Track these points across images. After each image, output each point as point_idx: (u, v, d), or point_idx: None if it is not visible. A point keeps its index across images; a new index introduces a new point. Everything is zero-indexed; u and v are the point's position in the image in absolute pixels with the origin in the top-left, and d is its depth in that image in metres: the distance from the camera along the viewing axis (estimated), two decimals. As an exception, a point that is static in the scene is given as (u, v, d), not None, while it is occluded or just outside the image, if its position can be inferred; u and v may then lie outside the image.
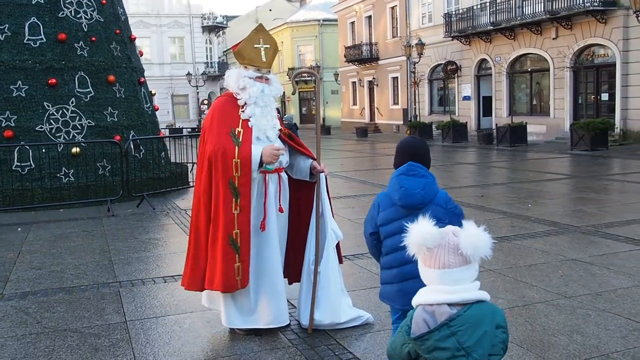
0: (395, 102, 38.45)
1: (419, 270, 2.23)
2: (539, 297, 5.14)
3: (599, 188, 12.00)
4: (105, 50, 12.76)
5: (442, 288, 2.12)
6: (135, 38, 14.49)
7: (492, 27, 27.25)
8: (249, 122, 4.42)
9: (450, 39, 30.63)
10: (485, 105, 30.16)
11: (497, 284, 5.59)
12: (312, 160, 4.67)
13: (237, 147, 4.30)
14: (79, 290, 5.99)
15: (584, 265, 6.15)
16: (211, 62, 54.52)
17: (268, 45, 4.53)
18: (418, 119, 31.98)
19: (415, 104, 33.52)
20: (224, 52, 63.09)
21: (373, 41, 40.16)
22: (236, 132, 4.36)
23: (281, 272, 4.60)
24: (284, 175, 4.61)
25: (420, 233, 2.15)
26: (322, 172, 4.60)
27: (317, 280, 4.54)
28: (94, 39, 12.51)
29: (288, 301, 4.81)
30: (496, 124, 26.35)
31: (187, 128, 40.17)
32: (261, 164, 4.35)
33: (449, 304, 2.10)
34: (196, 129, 37.00)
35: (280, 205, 4.53)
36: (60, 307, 5.46)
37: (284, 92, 25.84)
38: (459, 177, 15.24)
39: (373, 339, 4.44)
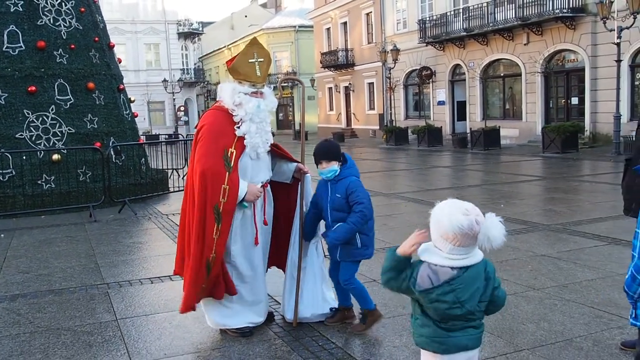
0: (372, 108, 38.87)
1: (431, 233, 2.56)
2: (510, 289, 5.44)
3: (568, 189, 12.43)
4: (84, 58, 12.88)
5: (453, 257, 2.49)
6: (114, 45, 14.63)
7: (465, 33, 27.79)
8: (244, 140, 4.50)
9: (425, 44, 31.13)
10: (460, 110, 30.70)
11: (471, 278, 5.89)
12: (296, 163, 4.91)
13: (227, 173, 4.39)
14: (67, 292, 6.15)
15: (552, 260, 6.49)
16: (187, 69, 54.48)
17: (262, 59, 4.57)
18: (394, 124, 32.41)
19: (391, 109, 33.97)
20: (199, 58, 63.09)
21: (349, 47, 40.57)
22: (229, 154, 4.43)
23: (264, 282, 4.80)
24: (268, 189, 4.81)
25: (450, 218, 2.48)
26: (307, 173, 4.85)
27: (300, 276, 4.79)
28: (73, 46, 12.62)
29: (272, 297, 5.04)
30: (470, 128, 26.86)
31: (163, 134, 40.10)
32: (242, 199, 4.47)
33: (452, 267, 2.50)
34: (172, 136, 37.19)
35: (264, 218, 4.73)
36: (51, 307, 5.63)
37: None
38: (434, 180, 15.60)
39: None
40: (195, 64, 57.47)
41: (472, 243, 2.51)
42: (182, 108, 50.00)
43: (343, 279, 4.57)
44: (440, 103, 31.70)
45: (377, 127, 36.94)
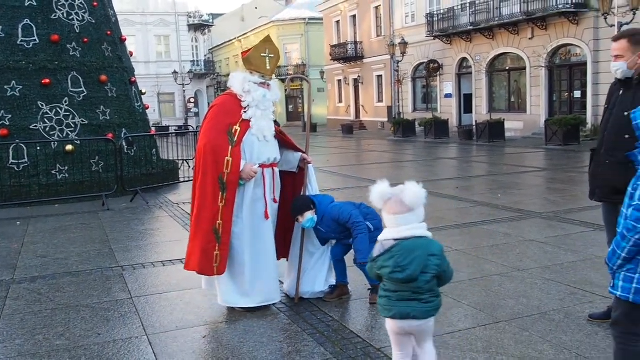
0: (380, 100, 39.20)
1: (383, 217, 3.16)
2: (496, 270, 5.87)
3: (565, 179, 12.78)
4: (97, 51, 13.30)
5: (394, 229, 3.08)
6: (125, 39, 15.05)
7: (472, 27, 28.05)
8: (250, 122, 4.95)
9: (432, 38, 31.41)
10: (466, 103, 30.99)
11: (461, 261, 6.30)
12: (301, 153, 5.32)
13: (230, 146, 4.84)
14: (84, 273, 6.58)
15: (539, 245, 6.89)
16: (197, 61, 54.84)
17: (273, 55, 5.07)
18: (402, 117, 32.73)
19: (399, 102, 34.30)
20: (209, 50, 63.41)
21: (358, 40, 40.88)
22: (233, 131, 4.89)
23: (275, 255, 5.19)
24: (276, 170, 5.22)
25: (377, 190, 3.13)
26: (310, 163, 5.27)
27: (303, 257, 5.20)
28: (86, 40, 13.05)
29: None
30: (476, 121, 27.16)
31: (173, 126, 40.58)
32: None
33: (395, 239, 3.05)
34: (182, 128, 37.62)
35: (274, 196, 5.15)
36: (70, 287, 6.06)
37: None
38: (439, 171, 15.96)
39: (350, 305, 5.14)
40: (205, 55, 57.82)
41: (405, 209, 3.04)
42: (192, 100, 50.44)
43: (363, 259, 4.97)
44: (448, 96, 31.99)
45: (386, 120, 37.28)
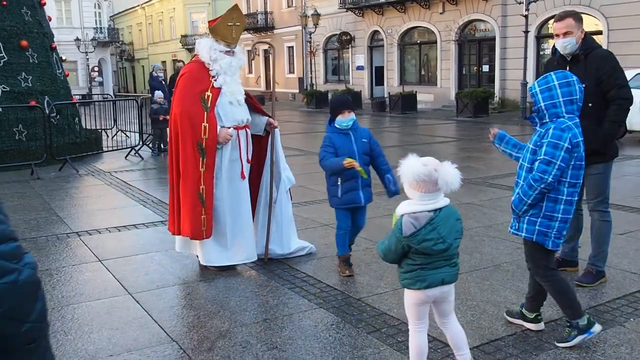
0: (291, 71, 39.41)
1: (405, 189, 3.16)
2: (445, 229, 6.40)
3: (482, 149, 13.65)
4: (16, 15, 12.79)
5: (427, 202, 3.05)
6: (45, 3, 14.50)
7: (384, 1, 28.73)
8: (222, 89, 5.18)
9: (345, 10, 31.87)
10: (378, 75, 31.80)
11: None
12: (267, 117, 5.60)
13: (205, 112, 5.08)
14: (41, 240, 6.57)
15: (476, 207, 7.52)
16: (101, 28, 52.74)
17: (239, 24, 5.31)
18: (314, 88, 33.15)
19: (311, 73, 34.64)
20: (111, 17, 61.04)
21: (268, 10, 40.72)
22: (205, 97, 5.12)
23: (251, 215, 5.48)
24: (249, 131, 5.47)
25: (411, 169, 3.02)
26: (277, 127, 5.55)
27: (271, 218, 5.51)
28: (4, 3, 12.52)
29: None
30: (389, 93, 28.01)
31: (76, 95, 38.99)
32: None
33: (428, 211, 3.05)
34: (86, 97, 36.24)
35: (247, 156, 5.41)
36: (33, 253, 6.05)
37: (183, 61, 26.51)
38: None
39: (319, 262, 5.50)
40: (107, 22, 55.66)
41: (435, 189, 3.03)
42: (96, 68, 48.53)
43: (364, 223, 5.26)
44: (359, 68, 32.67)
45: (297, 91, 37.56)
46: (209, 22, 5.46)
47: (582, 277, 4.80)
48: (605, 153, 4.64)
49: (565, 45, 4.62)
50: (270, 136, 5.62)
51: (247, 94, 5.48)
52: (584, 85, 3.84)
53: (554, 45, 4.83)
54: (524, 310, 3.99)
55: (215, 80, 5.20)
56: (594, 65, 4.55)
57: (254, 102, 5.62)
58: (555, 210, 3.62)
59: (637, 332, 3.91)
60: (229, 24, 5.25)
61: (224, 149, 5.19)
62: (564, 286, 3.80)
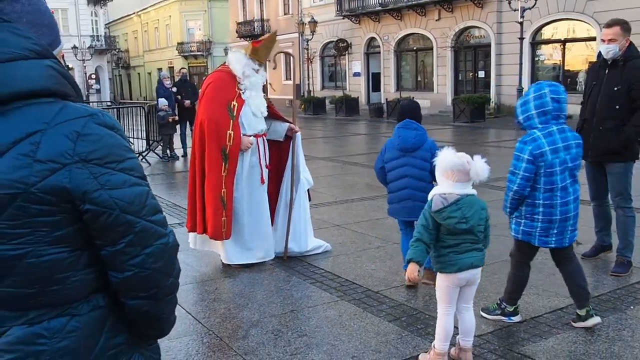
0: (288, 78, 39.72)
1: (436, 176, 3.61)
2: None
3: (482, 153, 13.95)
4: None
5: (456, 187, 3.48)
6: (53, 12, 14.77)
7: (380, 8, 29.13)
8: (247, 102, 5.52)
9: (341, 17, 32.27)
10: (374, 81, 32.19)
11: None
12: (288, 123, 5.94)
13: (231, 121, 5.42)
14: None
15: (481, 208, 7.85)
16: (98, 36, 52.98)
17: (271, 47, 5.74)
18: (312, 94, 33.51)
19: (308, 80, 35.02)
20: (106, 24, 61.30)
21: (265, 17, 41.10)
22: (232, 106, 5.46)
23: (269, 216, 5.81)
24: (265, 139, 5.82)
25: (447, 160, 3.50)
26: (298, 132, 5.89)
27: (291, 218, 5.83)
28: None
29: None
30: (386, 99, 28.37)
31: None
32: None
33: (458, 194, 3.48)
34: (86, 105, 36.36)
35: (266, 162, 5.75)
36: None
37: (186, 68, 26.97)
38: (351, 146, 16.89)
39: (335, 260, 5.83)
40: (104, 30, 55.94)
41: (467, 179, 3.47)
42: (93, 76, 48.85)
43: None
44: (356, 74, 33.05)
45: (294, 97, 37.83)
46: (252, 42, 5.80)
47: (616, 267, 5.23)
48: (625, 154, 5.04)
49: (608, 50, 5.02)
50: (292, 141, 5.96)
51: (268, 103, 5.81)
52: (615, 89, 4.26)
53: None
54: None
55: (243, 93, 5.54)
56: (629, 73, 4.95)
57: (275, 111, 5.95)
58: (535, 212, 4.02)
59: (637, 318, 4.25)
60: (267, 48, 5.65)
61: (245, 155, 5.53)
62: (521, 280, 4.32)
